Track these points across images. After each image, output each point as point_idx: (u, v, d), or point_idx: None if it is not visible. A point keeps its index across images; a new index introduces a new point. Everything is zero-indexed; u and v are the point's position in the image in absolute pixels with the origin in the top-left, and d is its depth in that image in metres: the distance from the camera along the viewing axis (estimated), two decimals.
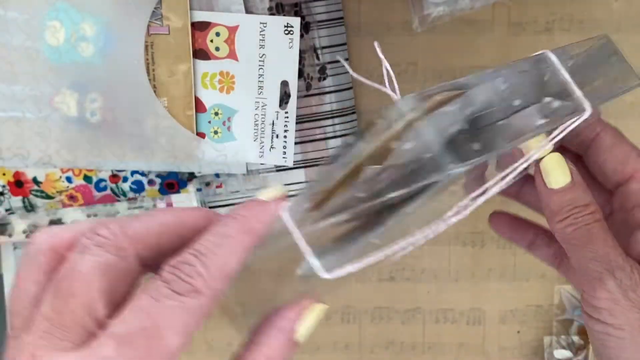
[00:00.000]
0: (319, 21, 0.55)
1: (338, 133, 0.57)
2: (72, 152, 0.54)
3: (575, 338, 0.63)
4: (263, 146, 0.53)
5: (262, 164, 0.54)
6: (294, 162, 0.56)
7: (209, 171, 0.54)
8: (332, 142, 0.57)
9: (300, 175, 0.58)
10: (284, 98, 0.53)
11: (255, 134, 0.53)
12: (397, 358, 0.65)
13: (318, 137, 0.57)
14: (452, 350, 0.65)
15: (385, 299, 0.64)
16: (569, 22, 0.58)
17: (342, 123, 0.58)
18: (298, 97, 0.54)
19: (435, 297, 0.63)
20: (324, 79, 0.56)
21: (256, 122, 0.53)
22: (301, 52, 0.53)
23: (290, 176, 0.57)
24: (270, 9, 0.51)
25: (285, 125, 0.53)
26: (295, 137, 0.56)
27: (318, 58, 0.55)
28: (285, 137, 0.53)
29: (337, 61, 0.57)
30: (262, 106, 0.53)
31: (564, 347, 0.63)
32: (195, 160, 0.53)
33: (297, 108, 0.56)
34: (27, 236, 0.58)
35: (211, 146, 0.53)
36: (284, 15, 0.53)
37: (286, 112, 0.53)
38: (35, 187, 0.56)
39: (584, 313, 0.36)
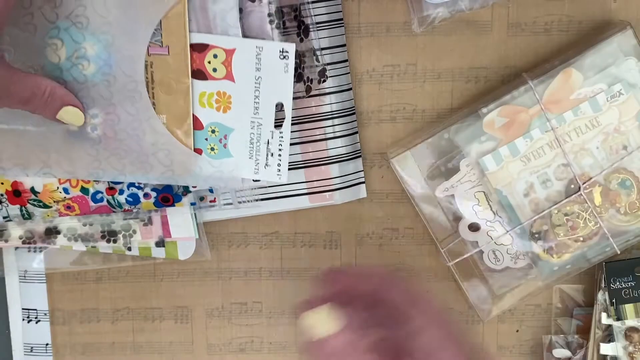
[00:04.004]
0: (319, 23, 0.56)
1: (338, 134, 0.58)
2: (72, 163, 0.55)
3: (574, 337, 0.63)
4: (258, 163, 0.55)
5: (257, 180, 0.56)
6: (294, 162, 0.57)
7: (205, 186, 0.56)
8: (332, 143, 0.58)
9: (300, 175, 0.58)
10: (280, 119, 0.54)
11: (251, 151, 0.55)
12: None
13: (318, 137, 0.58)
14: None
15: None
16: (568, 23, 0.58)
17: (343, 124, 0.58)
18: (298, 99, 0.54)
19: (435, 297, 0.64)
20: (324, 81, 0.56)
21: (252, 141, 0.54)
22: (300, 55, 0.54)
23: (290, 177, 0.57)
24: (269, 15, 0.52)
25: (280, 145, 0.55)
26: (295, 138, 0.57)
27: (318, 60, 0.56)
28: (279, 155, 0.55)
29: (337, 62, 0.57)
30: (258, 125, 0.54)
31: (562, 346, 0.63)
32: (193, 175, 0.55)
33: (297, 109, 0.56)
34: (23, 242, 0.59)
35: (208, 162, 0.55)
36: (284, 19, 0.53)
37: (281, 133, 0.54)
38: (33, 197, 0.57)
39: None
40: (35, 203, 0.57)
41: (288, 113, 0.54)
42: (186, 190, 0.56)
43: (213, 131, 0.54)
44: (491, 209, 0.59)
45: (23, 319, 0.63)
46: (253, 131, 0.54)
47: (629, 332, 0.61)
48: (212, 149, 0.54)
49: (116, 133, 0.53)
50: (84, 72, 0.52)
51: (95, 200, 0.57)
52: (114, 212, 0.58)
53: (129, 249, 0.59)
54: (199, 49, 0.52)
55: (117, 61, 0.52)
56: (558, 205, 0.58)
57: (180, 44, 0.52)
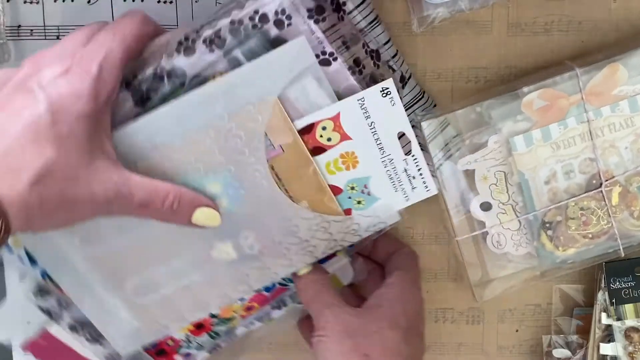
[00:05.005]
0: (384, 43, 0.56)
1: (419, 117, 0.58)
2: (246, 283, 0.56)
3: (574, 337, 0.63)
4: (405, 191, 0.55)
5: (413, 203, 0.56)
6: None
7: (368, 234, 0.56)
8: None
9: None
10: (406, 146, 0.54)
11: (394, 185, 0.54)
12: None
13: None
14: (452, 350, 0.65)
15: None
16: (567, 23, 0.58)
17: (418, 108, 0.59)
18: None
19: (435, 297, 0.64)
20: (406, 84, 0.57)
21: (390, 177, 0.54)
22: (380, 76, 0.54)
23: None
24: (350, 68, 0.51)
25: (417, 166, 0.54)
26: None
27: (393, 69, 0.56)
28: (421, 175, 0.54)
29: (391, 58, 0.57)
30: (390, 161, 0.54)
31: (562, 346, 0.63)
32: (354, 233, 0.55)
33: None
34: (209, 352, 0.61)
35: (361, 215, 0.55)
36: (353, 56, 0.53)
37: (413, 156, 0.54)
38: (215, 320, 0.59)
39: (314, 337, 0.54)
40: (219, 323, 0.59)
41: (412, 137, 0.53)
42: None
43: (352, 188, 0.54)
44: (507, 192, 0.58)
45: None
46: (388, 168, 0.53)
47: (629, 332, 0.61)
48: (359, 202, 0.54)
49: (272, 241, 0.54)
50: (220, 208, 0.53)
51: (268, 290, 0.58)
52: (288, 288, 0.59)
53: (299, 302, 0.60)
54: (307, 130, 0.52)
55: (244, 184, 0.52)
56: (577, 198, 0.58)
57: (290, 138, 0.52)
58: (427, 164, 0.54)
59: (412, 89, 0.58)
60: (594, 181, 0.58)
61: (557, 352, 0.64)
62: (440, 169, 0.58)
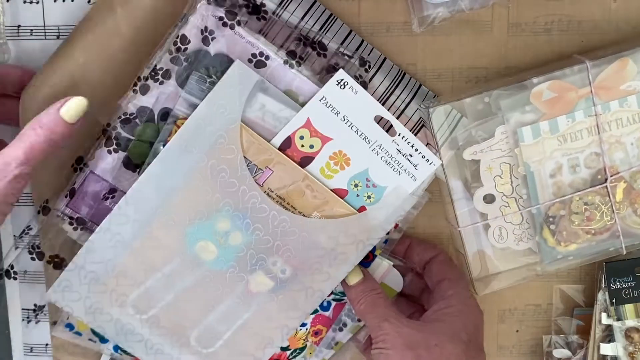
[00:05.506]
0: (344, 37, 0.57)
1: (407, 99, 0.58)
2: (296, 308, 0.57)
3: (574, 337, 0.63)
4: (409, 171, 0.55)
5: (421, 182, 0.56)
6: None
7: (393, 225, 0.56)
8: (409, 111, 0.58)
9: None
10: (389, 127, 0.54)
11: (395, 169, 0.55)
12: None
13: (396, 114, 0.58)
14: None
15: None
16: (567, 23, 0.58)
17: (403, 88, 0.58)
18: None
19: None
20: (369, 66, 0.57)
21: (387, 162, 0.55)
22: (335, 66, 0.54)
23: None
24: (285, 62, 0.53)
25: (409, 143, 0.54)
26: None
27: (348, 56, 0.56)
28: (416, 150, 0.55)
29: (356, 49, 0.58)
30: (380, 148, 0.54)
31: (562, 346, 0.63)
32: (377, 228, 0.55)
33: None
34: None
35: (376, 208, 0.55)
36: (298, 54, 0.54)
37: (399, 135, 0.54)
38: (288, 352, 0.59)
39: (373, 350, 0.55)
40: (294, 354, 0.60)
41: (390, 117, 0.54)
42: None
43: (356, 185, 0.55)
44: (511, 184, 0.58)
45: (23, 319, 0.63)
46: (381, 154, 0.54)
47: (629, 332, 0.61)
48: (369, 197, 0.55)
49: (299, 259, 0.55)
50: (234, 244, 0.54)
51: (325, 309, 0.59)
52: (344, 303, 0.59)
53: (359, 320, 0.61)
54: (287, 145, 0.53)
55: (247, 214, 0.54)
56: (581, 193, 0.58)
57: (273, 157, 0.53)
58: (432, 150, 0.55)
59: (389, 72, 0.58)
60: (599, 176, 0.58)
61: (558, 352, 0.64)
62: (445, 158, 0.58)
